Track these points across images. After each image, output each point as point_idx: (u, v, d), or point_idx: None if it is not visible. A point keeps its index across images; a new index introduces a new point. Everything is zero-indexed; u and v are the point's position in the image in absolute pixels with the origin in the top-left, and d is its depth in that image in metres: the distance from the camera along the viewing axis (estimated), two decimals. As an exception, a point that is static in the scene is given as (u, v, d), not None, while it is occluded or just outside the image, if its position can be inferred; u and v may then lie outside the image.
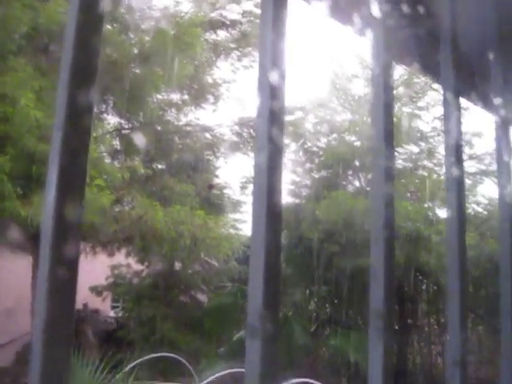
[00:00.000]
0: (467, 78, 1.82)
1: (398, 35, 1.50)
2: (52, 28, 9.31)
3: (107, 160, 11.85)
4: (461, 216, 1.55)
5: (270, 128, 0.97)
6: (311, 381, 9.92)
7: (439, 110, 14.92)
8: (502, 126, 1.72)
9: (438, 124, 15.08)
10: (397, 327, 14.64)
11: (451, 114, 1.53)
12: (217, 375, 9.24)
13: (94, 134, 10.05)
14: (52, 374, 0.76)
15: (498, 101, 1.74)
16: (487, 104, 1.81)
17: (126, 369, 7.92)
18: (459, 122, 1.52)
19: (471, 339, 14.84)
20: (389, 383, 1.20)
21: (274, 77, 1.00)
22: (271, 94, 1.00)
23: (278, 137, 0.98)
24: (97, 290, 14.44)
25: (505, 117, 1.72)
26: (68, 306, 0.78)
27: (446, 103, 1.53)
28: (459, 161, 1.48)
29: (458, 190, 1.53)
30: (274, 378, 0.91)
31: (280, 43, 1.04)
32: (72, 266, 0.78)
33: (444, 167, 1.78)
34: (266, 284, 0.92)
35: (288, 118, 14.73)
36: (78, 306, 12.99)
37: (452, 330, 1.53)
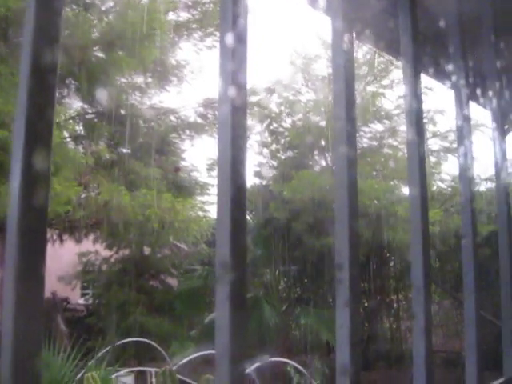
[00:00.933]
0: (427, 54, 1.84)
1: (358, 12, 1.50)
2: (9, 14, 9.08)
3: (71, 146, 11.67)
4: (423, 195, 1.57)
5: (232, 109, 0.97)
6: (284, 359, 10.03)
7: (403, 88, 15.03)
8: (460, 105, 1.74)
9: (402, 102, 15.21)
10: (366, 304, 14.87)
11: (411, 93, 1.55)
12: (189, 358, 9.27)
13: (57, 120, 9.88)
14: (24, 363, 0.75)
15: (456, 79, 1.76)
16: (446, 82, 1.84)
17: (98, 355, 7.88)
18: (419, 101, 1.53)
19: (438, 313, 15.17)
20: (356, 353, 1.22)
21: (235, 56, 0.99)
22: (233, 74, 0.99)
23: (241, 125, 0.98)
24: (65, 279, 14.30)
25: (463, 95, 1.74)
26: (37, 293, 0.77)
27: (406, 79, 1.54)
28: (420, 137, 1.49)
29: (419, 166, 1.54)
30: (242, 323, 0.92)
31: (241, 23, 1.03)
32: (39, 253, 0.77)
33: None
34: (233, 239, 0.93)
35: (252, 98, 14.67)
36: (47, 294, 12.86)
37: (416, 302, 1.56)
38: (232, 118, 0.95)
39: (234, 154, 0.95)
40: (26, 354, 0.77)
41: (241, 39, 1.00)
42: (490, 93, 1.95)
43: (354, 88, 1.30)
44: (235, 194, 0.95)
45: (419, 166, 1.59)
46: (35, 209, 0.77)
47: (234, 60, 0.98)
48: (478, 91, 2.02)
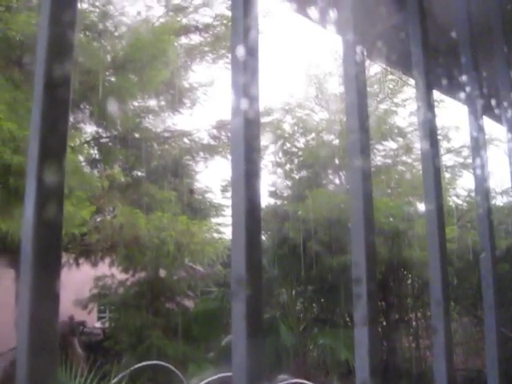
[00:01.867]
0: (439, 70, 1.83)
1: (369, 29, 1.51)
2: (24, 40, 9.24)
3: (86, 169, 11.77)
4: (439, 208, 1.56)
5: (245, 130, 0.97)
6: (302, 381, 9.93)
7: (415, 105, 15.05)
8: (475, 118, 1.73)
9: (415, 119, 15.21)
10: (384, 323, 14.72)
11: (424, 107, 1.54)
12: (206, 380, 9.21)
13: (72, 144, 9.98)
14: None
15: (469, 93, 1.76)
16: (460, 96, 1.83)
17: (115, 379, 7.86)
18: (433, 114, 1.53)
19: (457, 331, 14.97)
20: (377, 372, 1.20)
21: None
22: (245, 95, 0.99)
23: (254, 138, 0.98)
24: (82, 303, 14.33)
25: (477, 109, 1.73)
26: (51, 317, 0.77)
27: (418, 96, 1.54)
28: (435, 153, 1.48)
29: (435, 182, 1.53)
30: (259, 336, 0.91)
31: (252, 35, 1.04)
32: (54, 271, 0.77)
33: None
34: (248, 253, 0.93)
35: (266, 119, 14.75)
36: (64, 318, 12.87)
37: (436, 317, 1.54)
38: (245, 131, 0.95)
39: (248, 167, 0.95)
40: (41, 379, 0.76)
41: (252, 51, 1.00)
42: (505, 106, 1.94)
43: (366, 99, 1.30)
44: (250, 207, 0.94)
45: (435, 181, 1.57)
46: (50, 225, 0.77)
47: (245, 72, 0.98)
48: (492, 105, 2.01)
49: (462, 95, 1.84)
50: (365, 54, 1.37)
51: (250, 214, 0.94)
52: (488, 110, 1.98)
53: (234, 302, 0.92)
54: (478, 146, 1.72)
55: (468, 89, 1.76)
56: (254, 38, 1.03)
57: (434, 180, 1.52)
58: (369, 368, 1.19)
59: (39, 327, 0.76)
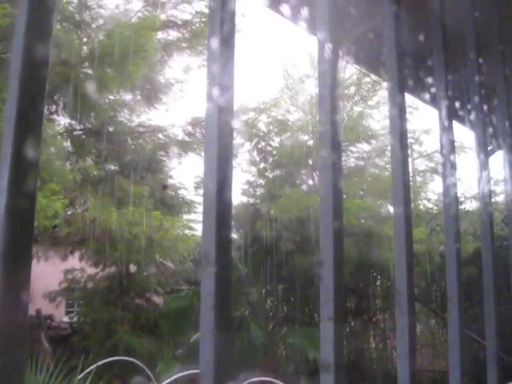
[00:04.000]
0: (411, 73, 1.86)
1: (344, 31, 1.53)
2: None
3: (58, 162, 11.63)
4: (407, 211, 1.59)
5: (218, 116, 0.98)
6: (270, 379, 9.96)
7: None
8: (444, 122, 1.77)
9: (388, 122, 15.35)
10: (353, 323, 14.85)
11: (395, 109, 1.57)
12: (174, 377, 9.18)
13: (44, 136, 9.86)
14: (6, 381, 0.75)
15: (439, 97, 1.79)
16: (430, 100, 1.86)
17: (82, 374, 7.79)
18: (403, 117, 1.55)
19: (424, 333, 15.18)
20: (341, 366, 1.22)
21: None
22: (219, 83, 1.01)
23: (227, 124, 1.00)
24: (50, 296, 14.16)
25: (446, 113, 1.77)
26: (21, 311, 0.77)
27: (390, 98, 1.56)
28: (404, 155, 1.51)
29: (403, 184, 1.56)
30: (226, 309, 0.92)
31: (228, 27, 1.05)
32: (25, 262, 0.77)
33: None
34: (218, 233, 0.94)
35: (241, 117, 14.75)
36: (31, 311, 12.72)
37: (400, 323, 1.56)
38: (218, 117, 0.97)
39: (220, 150, 0.97)
40: (8, 372, 0.76)
41: (227, 42, 1.03)
42: (474, 113, 1.98)
43: (337, 94, 1.33)
44: (221, 187, 0.97)
45: (403, 183, 1.60)
46: (24, 196, 0.78)
47: (220, 62, 1.01)
48: (461, 110, 2.05)
49: (433, 99, 1.87)
50: (339, 52, 1.39)
51: (220, 192, 0.96)
52: (458, 117, 2.02)
53: (203, 278, 0.94)
54: (447, 148, 1.75)
55: (438, 93, 1.80)
56: (230, 30, 1.05)
57: (403, 182, 1.54)
58: (333, 327, 1.21)
59: (8, 319, 0.76)
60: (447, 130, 1.84)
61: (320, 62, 1.38)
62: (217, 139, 0.98)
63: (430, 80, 1.83)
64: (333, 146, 1.29)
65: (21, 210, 0.78)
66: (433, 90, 1.81)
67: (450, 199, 1.83)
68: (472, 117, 1.99)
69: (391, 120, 1.68)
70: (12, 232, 0.77)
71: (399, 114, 1.63)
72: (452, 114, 1.80)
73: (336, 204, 1.26)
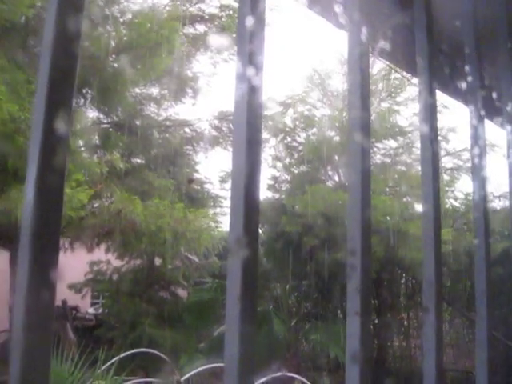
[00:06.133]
0: (444, 70, 1.83)
1: (375, 27, 1.50)
2: (28, 22, 9.20)
3: (85, 154, 11.75)
4: (436, 210, 1.56)
5: (249, 96, 0.97)
6: (292, 375, 9.97)
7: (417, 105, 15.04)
8: (476, 121, 1.73)
9: (416, 119, 15.19)
10: (376, 322, 14.76)
11: (426, 107, 1.54)
12: (197, 370, 9.24)
13: (72, 129, 9.94)
14: (32, 371, 0.75)
15: (472, 95, 1.75)
16: (462, 98, 1.83)
17: (106, 365, 7.87)
18: (434, 115, 1.52)
19: (449, 332, 15.03)
20: (367, 368, 1.20)
21: (252, 70, 1.00)
22: (249, 87, 0.99)
23: (258, 105, 0.99)
24: (76, 288, 14.33)
25: (479, 111, 1.73)
26: (48, 301, 0.77)
27: (421, 95, 1.53)
28: (434, 154, 1.48)
29: (433, 183, 1.53)
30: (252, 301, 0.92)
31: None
32: (53, 252, 0.77)
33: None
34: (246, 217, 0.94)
35: (268, 112, 14.73)
36: (57, 302, 12.88)
37: (427, 322, 1.54)
38: (249, 98, 0.96)
39: (250, 133, 0.97)
40: (35, 361, 0.76)
41: (259, 21, 1.02)
42: (507, 111, 1.94)
43: (368, 80, 1.31)
44: (250, 171, 0.97)
45: (433, 182, 1.57)
46: (54, 172, 0.79)
47: (252, 42, 0.99)
48: (494, 108, 2.00)
49: (465, 97, 1.83)
50: (369, 48, 1.37)
51: (249, 177, 0.95)
52: (490, 114, 1.98)
53: (231, 261, 0.93)
54: (478, 148, 1.72)
55: (471, 91, 1.76)
56: (262, 8, 1.04)
57: (433, 181, 1.51)
58: (359, 321, 1.20)
59: (36, 297, 0.76)
60: (479, 126, 1.80)
61: (350, 46, 1.36)
62: (246, 121, 0.97)
63: (462, 77, 1.79)
64: (363, 131, 1.27)
65: (51, 186, 0.78)
66: (465, 88, 1.78)
67: (480, 194, 1.80)
68: (507, 111, 1.94)
69: (422, 117, 1.65)
70: (42, 208, 0.78)
71: (430, 110, 1.60)
72: (484, 111, 1.76)
73: (365, 191, 1.24)
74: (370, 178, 1.26)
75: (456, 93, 2.10)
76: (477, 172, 1.70)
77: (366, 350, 1.17)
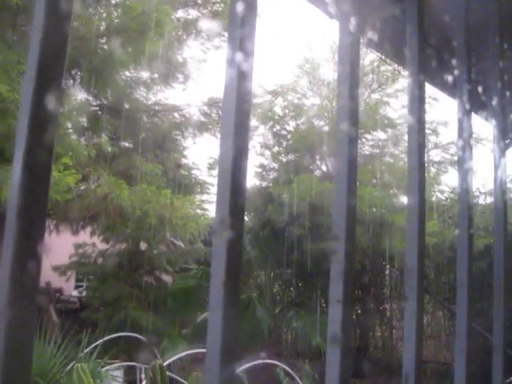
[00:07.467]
0: (433, 63, 1.84)
1: (367, 17, 1.51)
2: (18, 2, 9.08)
3: (73, 137, 11.66)
4: (421, 201, 1.57)
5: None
6: (274, 362, 10.02)
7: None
8: (463, 114, 1.75)
9: (406, 111, 15.23)
10: (359, 311, 14.88)
11: (414, 98, 1.55)
12: (179, 355, 9.27)
13: (60, 110, 9.86)
14: (16, 348, 0.76)
15: (460, 88, 1.77)
16: (451, 91, 1.84)
17: (89, 348, 7.88)
18: (422, 107, 1.53)
19: (431, 324, 15.18)
20: (347, 351, 1.22)
21: (242, 56, 1.00)
22: (239, 72, 1.00)
23: (247, 91, 0.99)
24: (60, 270, 14.28)
25: (466, 104, 1.75)
26: (34, 273, 0.77)
27: (410, 87, 1.54)
28: (420, 146, 1.49)
29: (419, 175, 1.55)
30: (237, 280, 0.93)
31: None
32: (39, 228, 0.77)
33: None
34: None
35: (257, 100, 14.69)
36: (41, 284, 12.85)
37: (408, 310, 1.56)
38: (238, 83, 0.97)
39: (238, 117, 0.97)
40: (18, 339, 0.77)
41: (251, 7, 1.02)
42: (493, 105, 1.95)
43: (358, 70, 1.32)
44: (237, 154, 0.97)
45: (419, 176, 1.59)
46: (43, 149, 0.79)
47: (243, 27, 1.00)
48: (482, 103, 2.02)
49: (453, 91, 1.85)
50: (360, 38, 1.38)
51: (236, 160, 0.96)
52: (476, 107, 1.99)
53: (216, 242, 0.94)
54: (465, 141, 1.73)
55: (458, 81, 1.77)
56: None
57: (419, 173, 1.53)
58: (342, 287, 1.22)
59: (21, 270, 0.76)
60: (466, 118, 1.82)
61: (341, 35, 1.36)
62: (235, 106, 0.98)
63: (450, 68, 1.81)
64: (351, 120, 1.28)
65: (39, 162, 0.78)
66: (454, 81, 1.79)
67: (465, 186, 1.82)
68: (493, 106, 1.96)
69: (410, 108, 1.66)
70: (30, 182, 0.78)
71: (418, 102, 1.61)
72: (471, 104, 1.78)
73: (351, 179, 1.26)
74: (357, 167, 1.27)
75: (444, 86, 2.11)
76: (462, 164, 1.72)
77: (347, 334, 1.19)
